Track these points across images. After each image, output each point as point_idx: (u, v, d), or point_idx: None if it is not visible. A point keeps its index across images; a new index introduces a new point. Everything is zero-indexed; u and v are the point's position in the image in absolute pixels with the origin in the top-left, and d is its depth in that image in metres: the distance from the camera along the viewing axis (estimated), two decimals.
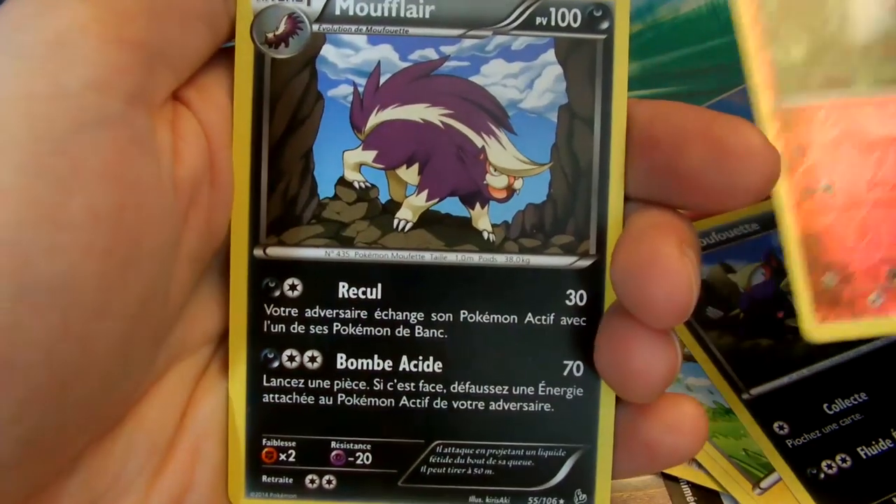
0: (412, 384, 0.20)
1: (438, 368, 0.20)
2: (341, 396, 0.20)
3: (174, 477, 0.19)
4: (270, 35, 0.19)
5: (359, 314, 0.20)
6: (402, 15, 0.19)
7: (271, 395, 0.20)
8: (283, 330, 0.20)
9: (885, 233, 0.26)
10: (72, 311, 0.15)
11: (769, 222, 0.33)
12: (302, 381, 0.20)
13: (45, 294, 0.15)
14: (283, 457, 0.20)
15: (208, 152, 0.18)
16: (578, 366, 0.20)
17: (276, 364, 0.20)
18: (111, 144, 0.16)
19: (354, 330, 0.20)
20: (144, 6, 0.16)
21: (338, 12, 0.19)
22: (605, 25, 0.19)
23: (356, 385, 0.20)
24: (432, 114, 0.19)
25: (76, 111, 0.15)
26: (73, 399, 0.16)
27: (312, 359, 0.20)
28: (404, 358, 0.20)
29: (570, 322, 0.20)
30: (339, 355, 0.20)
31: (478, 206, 0.20)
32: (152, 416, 0.19)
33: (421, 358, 0.20)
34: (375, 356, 0.20)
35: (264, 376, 0.20)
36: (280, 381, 0.20)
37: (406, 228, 0.20)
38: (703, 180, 0.18)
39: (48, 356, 0.15)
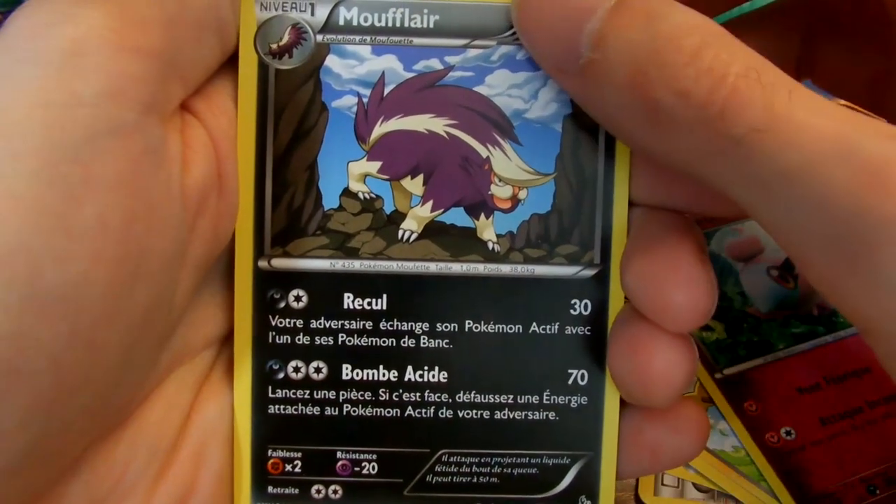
0: (417, 394, 0.20)
1: (444, 378, 0.20)
2: (347, 407, 0.20)
3: (177, 481, 0.19)
4: (274, 46, 0.19)
5: (364, 325, 0.20)
6: (406, 25, 0.19)
7: (277, 406, 0.20)
8: (289, 341, 0.20)
9: (851, 457, 0.30)
10: (79, 318, 0.15)
11: None
12: (307, 391, 0.20)
13: (54, 301, 0.15)
14: (288, 467, 0.20)
15: (216, 161, 0.18)
16: (583, 374, 0.20)
17: (281, 375, 0.20)
18: (124, 153, 0.16)
19: (360, 341, 0.20)
20: (159, 16, 0.16)
21: (342, 22, 0.19)
22: None
23: (361, 395, 0.20)
24: (437, 124, 0.20)
25: (90, 120, 0.15)
26: (77, 404, 0.16)
27: (318, 370, 0.20)
28: (409, 368, 0.20)
29: (574, 331, 0.20)
30: (344, 366, 0.20)
31: (482, 216, 0.20)
32: (154, 420, 0.19)
33: (426, 368, 0.20)
34: (381, 367, 0.20)
35: (269, 387, 0.20)
36: (285, 392, 0.20)
37: (411, 239, 0.20)
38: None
39: (54, 363, 0.15)
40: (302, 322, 0.20)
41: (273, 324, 0.20)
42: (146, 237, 0.16)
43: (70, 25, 0.15)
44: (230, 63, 0.19)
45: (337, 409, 0.20)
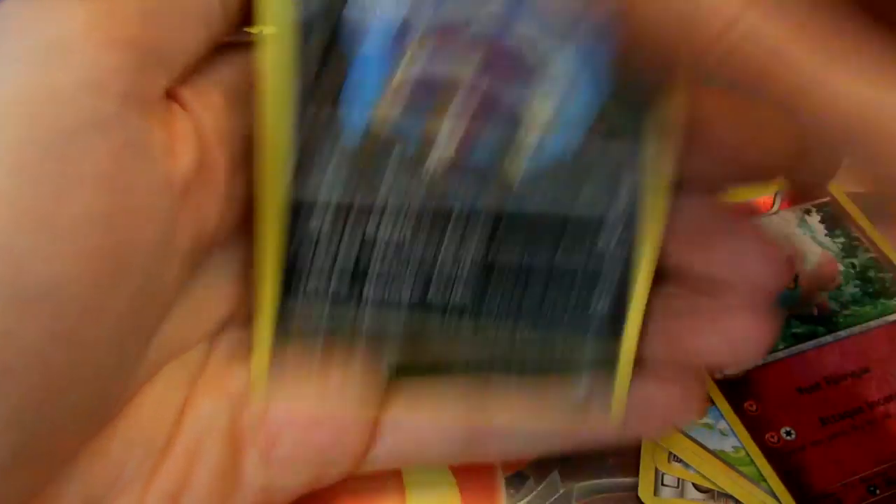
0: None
1: (468, 300, 0.21)
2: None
3: (171, 477, 0.19)
4: None
5: (387, 253, 0.20)
6: None
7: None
8: (312, 267, 0.20)
9: (851, 457, 0.30)
10: (65, 315, 0.15)
11: None
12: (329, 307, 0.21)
13: (38, 299, 0.15)
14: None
15: (201, 150, 0.18)
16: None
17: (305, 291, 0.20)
18: (106, 147, 0.16)
19: (383, 267, 0.20)
20: (140, 6, 0.16)
21: None
22: None
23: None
24: (463, 66, 0.19)
25: (71, 114, 0.15)
26: (67, 401, 0.16)
27: (338, 293, 0.20)
28: (433, 289, 0.21)
29: (599, 267, 0.21)
30: (367, 287, 0.20)
31: (509, 156, 0.20)
32: (148, 416, 0.19)
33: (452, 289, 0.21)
34: (404, 286, 0.20)
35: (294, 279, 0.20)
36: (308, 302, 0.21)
37: (436, 177, 0.20)
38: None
39: (41, 360, 0.15)
40: (325, 251, 0.20)
41: (296, 253, 0.20)
42: (130, 230, 0.16)
43: (50, 19, 0.15)
44: (217, 51, 0.19)
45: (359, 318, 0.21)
